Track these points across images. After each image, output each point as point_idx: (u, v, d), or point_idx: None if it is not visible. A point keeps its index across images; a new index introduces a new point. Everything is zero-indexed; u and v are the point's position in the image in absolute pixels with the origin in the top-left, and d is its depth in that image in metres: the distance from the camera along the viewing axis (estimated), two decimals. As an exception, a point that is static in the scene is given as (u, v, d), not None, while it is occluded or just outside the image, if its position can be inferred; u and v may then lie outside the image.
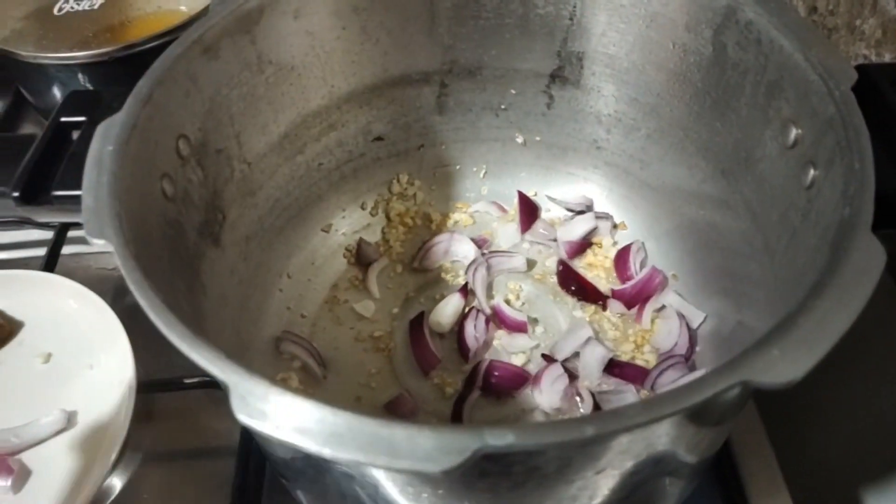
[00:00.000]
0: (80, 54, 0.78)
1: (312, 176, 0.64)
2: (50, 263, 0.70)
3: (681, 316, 0.60)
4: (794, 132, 0.44)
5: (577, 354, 0.60)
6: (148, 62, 0.45)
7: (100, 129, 0.41)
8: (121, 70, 0.78)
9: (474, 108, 0.67)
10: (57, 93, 0.82)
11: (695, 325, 0.60)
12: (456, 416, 0.57)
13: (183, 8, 0.86)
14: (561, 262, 0.66)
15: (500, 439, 0.27)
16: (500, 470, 0.33)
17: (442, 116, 0.68)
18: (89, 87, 0.80)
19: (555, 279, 0.66)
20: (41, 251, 0.73)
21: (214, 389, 0.60)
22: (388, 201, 0.71)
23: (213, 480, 0.60)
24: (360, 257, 0.68)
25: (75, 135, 0.61)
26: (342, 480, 0.41)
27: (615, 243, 0.67)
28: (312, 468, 0.42)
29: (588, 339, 0.60)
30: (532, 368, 0.60)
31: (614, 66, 0.59)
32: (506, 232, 0.70)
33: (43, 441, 0.56)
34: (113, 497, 0.59)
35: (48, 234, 0.75)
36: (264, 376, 0.30)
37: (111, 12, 0.86)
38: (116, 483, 0.59)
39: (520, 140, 0.69)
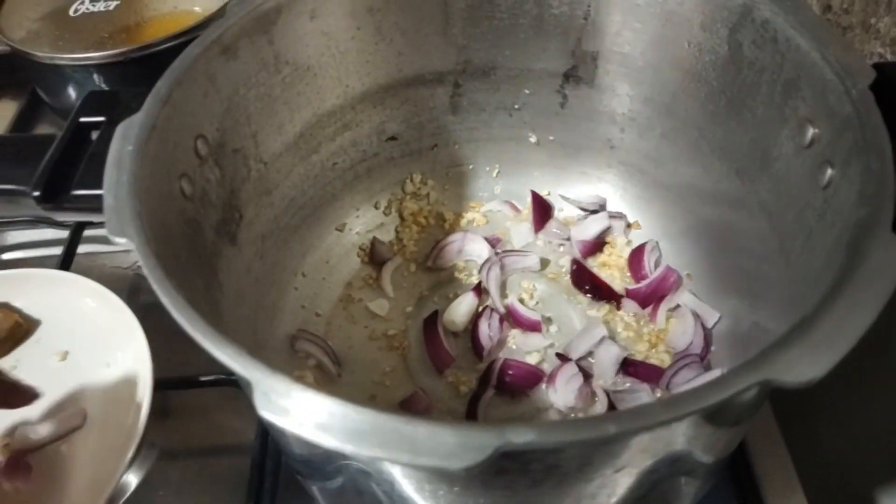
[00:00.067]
0: (96, 55, 0.78)
1: (327, 175, 0.64)
2: (66, 262, 0.71)
3: (695, 315, 0.60)
4: (810, 131, 0.44)
5: (591, 354, 0.60)
6: (163, 62, 0.46)
7: (119, 130, 0.42)
8: (136, 70, 0.78)
9: (488, 107, 0.67)
10: (73, 93, 0.83)
11: (710, 324, 0.60)
12: (470, 415, 0.57)
13: (197, 9, 0.86)
14: (575, 262, 0.66)
15: (521, 437, 0.27)
16: (519, 467, 0.33)
17: (455, 116, 0.68)
18: (105, 87, 0.80)
19: (568, 278, 0.66)
20: (56, 250, 0.74)
21: (230, 387, 0.61)
22: (402, 201, 0.71)
23: (228, 478, 0.60)
24: (374, 256, 0.68)
25: (94, 135, 0.62)
26: (359, 477, 0.41)
27: (629, 243, 0.67)
28: (329, 465, 0.43)
29: (602, 339, 0.60)
30: (546, 367, 0.60)
31: (629, 65, 0.59)
32: (519, 231, 0.70)
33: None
34: (129, 494, 0.59)
35: (63, 234, 0.76)
36: (286, 373, 0.30)
37: (126, 13, 0.86)
38: (132, 480, 0.60)
39: (533, 139, 0.69)
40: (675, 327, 0.61)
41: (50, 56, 0.80)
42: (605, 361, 0.59)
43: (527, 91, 0.65)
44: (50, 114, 0.94)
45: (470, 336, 0.62)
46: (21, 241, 0.82)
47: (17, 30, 0.84)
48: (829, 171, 0.42)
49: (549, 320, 0.63)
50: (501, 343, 0.62)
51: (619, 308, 0.63)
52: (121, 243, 0.36)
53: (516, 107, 0.67)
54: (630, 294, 0.63)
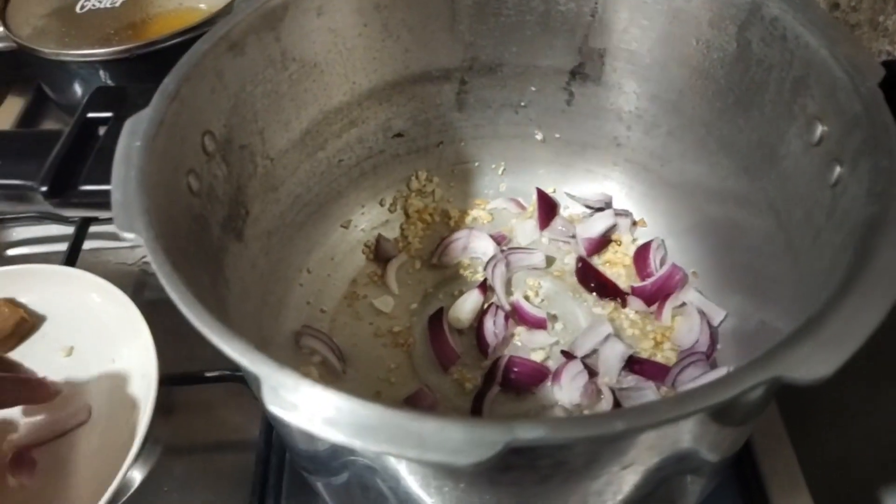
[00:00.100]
0: (102, 51, 0.78)
1: (333, 172, 0.64)
2: (71, 258, 0.71)
3: (701, 313, 0.60)
4: (819, 129, 0.44)
5: (596, 351, 0.60)
6: (169, 59, 0.46)
7: (128, 125, 0.42)
8: (142, 67, 0.78)
9: (494, 104, 0.67)
10: (78, 90, 0.83)
11: (716, 322, 0.59)
12: (475, 412, 0.57)
13: (203, 6, 0.86)
14: (580, 259, 0.66)
15: (530, 433, 0.27)
16: (527, 464, 0.33)
17: (461, 113, 0.68)
18: (110, 83, 0.80)
19: (574, 276, 0.66)
20: (61, 246, 0.74)
21: (235, 384, 0.61)
22: (407, 198, 0.71)
23: (232, 474, 0.60)
24: (379, 253, 0.68)
25: (101, 131, 0.62)
26: (364, 473, 0.41)
27: (634, 240, 0.67)
28: (335, 461, 0.43)
29: (608, 336, 0.60)
30: (551, 365, 0.60)
31: (636, 62, 0.59)
32: (524, 229, 0.70)
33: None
34: (133, 489, 0.59)
35: (68, 230, 0.76)
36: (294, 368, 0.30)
37: (132, 10, 0.86)
38: (136, 476, 0.60)
39: (539, 137, 0.69)
40: (681, 325, 0.61)
41: (56, 52, 0.80)
42: (611, 359, 0.59)
43: (533, 88, 0.65)
44: (55, 110, 0.94)
45: (475, 333, 0.62)
46: (26, 237, 0.82)
47: (23, 26, 0.84)
48: (838, 169, 0.42)
49: (554, 318, 0.63)
50: (507, 340, 0.62)
51: (624, 306, 0.63)
52: (129, 238, 0.36)
53: (522, 104, 0.67)
54: (635, 292, 0.63)
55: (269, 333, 0.58)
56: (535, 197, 0.70)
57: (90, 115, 0.62)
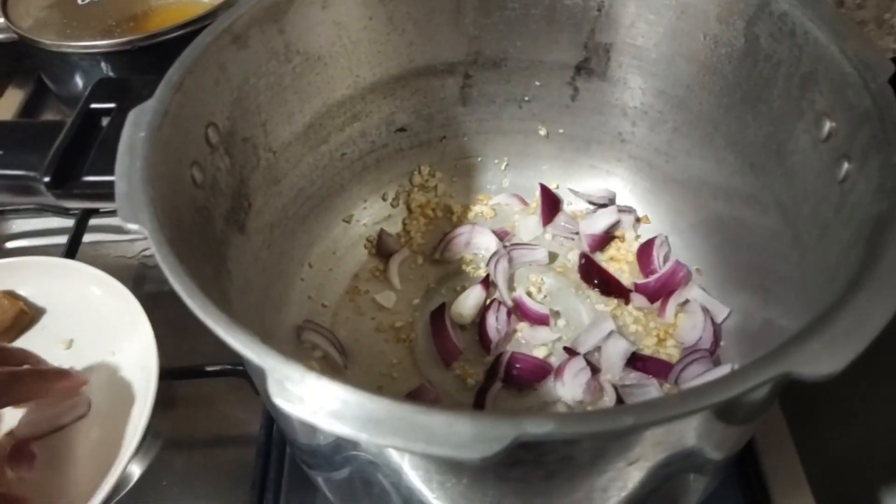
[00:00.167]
0: (104, 43, 0.78)
1: (335, 166, 0.64)
2: (71, 251, 0.71)
3: (705, 310, 0.59)
4: (827, 125, 0.44)
5: (599, 348, 0.60)
6: (171, 51, 0.45)
7: (132, 116, 0.41)
8: (144, 59, 0.78)
9: (498, 99, 0.67)
10: (79, 81, 0.82)
11: (719, 319, 0.59)
12: (478, 407, 0.57)
13: (204, -1, 0.86)
14: (583, 256, 0.66)
15: (539, 427, 0.27)
16: (534, 459, 0.33)
17: (465, 108, 0.67)
18: (112, 75, 0.80)
19: (577, 272, 0.66)
20: (61, 239, 0.74)
21: (235, 378, 0.61)
22: (410, 193, 0.71)
23: (232, 468, 0.60)
24: (381, 248, 0.68)
25: (104, 122, 0.61)
26: (366, 468, 0.41)
27: (638, 237, 0.67)
28: (337, 455, 0.43)
29: (610, 333, 0.59)
30: (554, 361, 0.60)
31: (642, 57, 0.59)
32: (527, 225, 0.69)
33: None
34: (132, 483, 0.59)
35: (68, 223, 0.76)
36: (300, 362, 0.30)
37: (134, 2, 0.86)
38: (136, 470, 0.60)
39: (543, 132, 0.69)
40: (685, 322, 0.60)
41: (57, 44, 0.79)
42: (614, 356, 0.59)
43: (537, 83, 0.65)
44: (56, 102, 0.94)
45: (477, 329, 0.62)
46: (26, 229, 0.81)
47: (24, 18, 0.84)
48: (846, 166, 0.41)
49: (557, 314, 0.63)
50: (509, 336, 0.62)
51: (627, 303, 0.63)
52: (133, 230, 0.36)
53: (526, 99, 0.66)
54: (639, 288, 0.63)
55: (270, 327, 0.57)
56: (538, 193, 0.70)
57: (93, 105, 0.62)
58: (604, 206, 0.68)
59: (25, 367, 0.54)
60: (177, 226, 0.39)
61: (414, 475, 0.37)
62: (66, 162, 0.58)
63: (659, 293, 0.62)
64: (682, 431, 0.35)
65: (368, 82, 0.62)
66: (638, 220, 0.68)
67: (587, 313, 0.63)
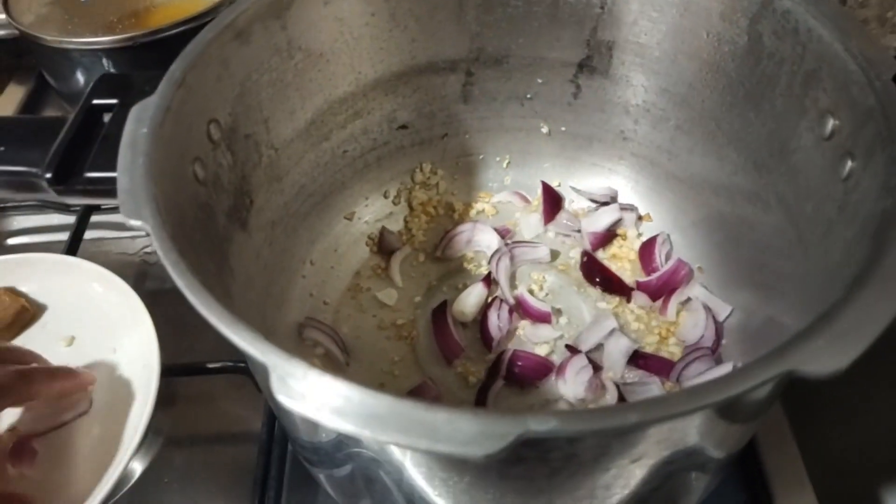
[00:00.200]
0: (106, 39, 0.78)
1: (337, 163, 0.64)
2: (72, 248, 0.71)
3: (707, 308, 0.59)
4: (830, 123, 0.44)
5: (601, 346, 0.60)
6: (172, 48, 0.45)
7: (134, 111, 0.41)
8: (145, 55, 0.78)
9: (499, 96, 0.67)
10: (81, 78, 0.82)
11: (721, 317, 0.59)
12: (479, 405, 0.57)
13: (206, -6, 0.85)
14: (585, 254, 0.66)
15: (543, 424, 0.27)
16: (538, 456, 0.33)
17: (467, 105, 0.67)
18: (113, 72, 0.80)
19: (579, 270, 0.66)
20: (62, 236, 0.74)
21: (237, 375, 0.61)
22: (411, 190, 0.71)
23: (233, 465, 0.60)
24: (383, 245, 0.68)
25: (106, 118, 0.61)
26: (368, 465, 0.41)
27: (640, 235, 0.67)
28: (339, 452, 0.42)
29: (612, 331, 0.59)
30: (556, 359, 0.60)
31: (645, 55, 0.59)
32: (529, 222, 0.69)
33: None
34: (133, 481, 0.59)
35: (69, 219, 0.76)
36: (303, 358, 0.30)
37: (135, -2, 0.86)
38: (137, 467, 0.60)
39: (545, 130, 0.69)
40: (686, 320, 0.60)
41: (59, 40, 0.79)
42: (615, 353, 0.59)
43: (539, 80, 0.65)
44: (57, 99, 0.94)
45: (479, 327, 0.62)
46: (27, 225, 0.81)
47: (25, 14, 0.84)
48: (850, 163, 0.41)
49: (558, 312, 0.63)
50: (511, 334, 0.62)
51: (629, 301, 0.63)
52: (136, 226, 0.36)
53: (528, 96, 0.66)
54: (640, 287, 0.63)
55: (272, 325, 0.57)
56: (539, 190, 0.70)
57: (95, 101, 0.62)
58: (605, 203, 0.68)
59: (33, 365, 0.54)
60: (179, 222, 0.39)
61: (416, 472, 0.37)
62: (68, 158, 0.58)
63: (661, 291, 0.62)
64: (685, 429, 0.35)
65: (370, 79, 0.61)
66: (640, 217, 0.68)
67: (589, 311, 0.63)
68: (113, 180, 0.38)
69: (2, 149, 0.60)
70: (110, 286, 0.61)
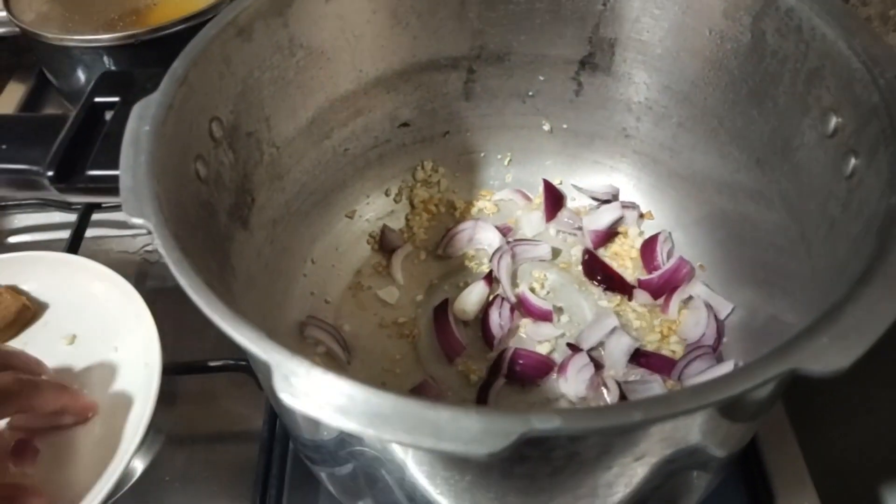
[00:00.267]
0: (107, 37, 0.78)
1: (338, 161, 0.64)
2: (73, 246, 0.71)
3: (708, 306, 0.59)
4: (833, 120, 0.44)
5: (602, 344, 0.60)
6: (174, 46, 0.45)
7: (136, 109, 0.41)
8: (146, 53, 0.78)
9: (501, 94, 0.67)
10: (81, 75, 0.82)
11: (723, 315, 0.59)
12: (481, 403, 0.57)
13: (207, -8, 0.85)
14: (586, 252, 0.66)
15: (547, 423, 0.27)
16: (541, 455, 0.33)
17: (468, 102, 0.67)
18: (114, 69, 0.80)
19: (580, 268, 0.66)
20: (63, 234, 0.74)
21: (238, 373, 0.61)
22: (412, 188, 0.71)
23: (235, 464, 0.60)
24: (384, 244, 0.68)
25: (107, 116, 0.61)
26: (370, 464, 0.41)
27: (641, 233, 0.67)
28: (341, 451, 0.42)
29: (614, 329, 0.59)
30: (557, 357, 0.60)
31: (647, 52, 0.59)
32: (530, 220, 0.69)
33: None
34: (135, 479, 0.59)
35: (70, 217, 0.76)
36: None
37: (137, -5, 0.86)
38: (138, 465, 0.60)
39: (546, 127, 0.69)
40: (688, 318, 0.60)
41: (59, 38, 0.79)
42: (617, 352, 0.58)
43: (541, 78, 0.65)
44: (57, 97, 0.93)
45: (480, 325, 0.62)
46: (28, 224, 0.81)
47: (26, 11, 0.84)
48: (853, 161, 0.41)
49: (560, 310, 0.63)
50: (512, 332, 0.62)
51: (630, 299, 0.63)
52: (138, 224, 0.36)
53: (530, 94, 0.66)
54: (642, 285, 0.63)
55: (273, 323, 0.57)
56: (541, 188, 0.70)
57: (97, 99, 0.62)
58: (607, 201, 0.68)
59: (43, 377, 0.55)
60: (181, 221, 0.39)
61: (418, 471, 0.37)
62: (70, 156, 0.58)
63: (662, 289, 0.62)
64: (687, 428, 0.35)
65: (372, 77, 0.61)
66: (641, 215, 0.68)
67: (590, 309, 0.63)
68: (115, 178, 0.38)
69: (3, 147, 0.60)
70: (112, 284, 0.61)
